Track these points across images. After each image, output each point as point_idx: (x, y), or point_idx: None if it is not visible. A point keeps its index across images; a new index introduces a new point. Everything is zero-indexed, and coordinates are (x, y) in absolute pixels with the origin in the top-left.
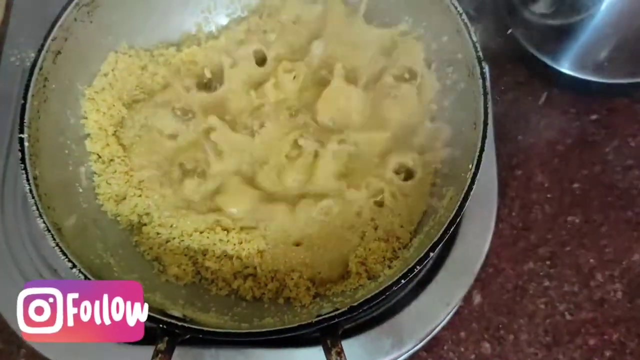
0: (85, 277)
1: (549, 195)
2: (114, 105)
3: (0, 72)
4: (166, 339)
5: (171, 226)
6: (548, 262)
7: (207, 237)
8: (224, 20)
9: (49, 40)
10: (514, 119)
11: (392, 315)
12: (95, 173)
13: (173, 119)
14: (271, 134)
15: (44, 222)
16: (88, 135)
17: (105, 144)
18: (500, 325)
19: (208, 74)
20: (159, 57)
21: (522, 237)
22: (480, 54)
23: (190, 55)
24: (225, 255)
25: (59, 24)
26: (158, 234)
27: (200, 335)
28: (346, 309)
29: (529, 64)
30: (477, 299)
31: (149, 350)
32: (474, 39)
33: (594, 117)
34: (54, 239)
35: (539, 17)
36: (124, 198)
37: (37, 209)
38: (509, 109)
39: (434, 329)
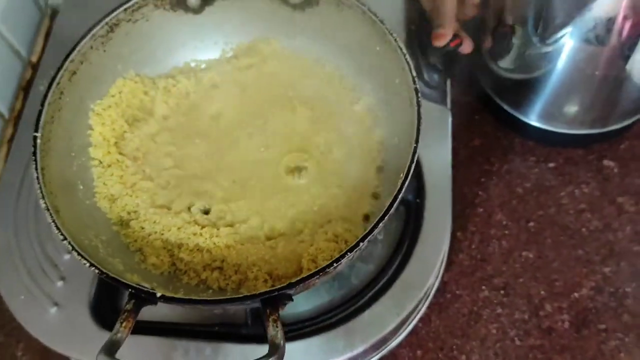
0: (73, 249)
1: (506, 232)
2: (117, 121)
3: (30, 99)
4: (133, 301)
5: (154, 222)
6: (502, 292)
7: (184, 232)
8: (215, 56)
9: (67, 62)
10: (478, 163)
11: (347, 321)
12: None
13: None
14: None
15: (45, 203)
16: (92, 143)
17: (107, 152)
18: (454, 347)
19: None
20: (159, 85)
21: (480, 268)
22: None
23: (184, 85)
24: (197, 249)
25: (77, 49)
26: (142, 228)
27: (162, 301)
28: (285, 285)
29: (496, 115)
30: (435, 321)
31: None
32: (414, 74)
33: (551, 164)
34: (52, 217)
35: (505, 72)
36: (117, 198)
37: (41, 192)
38: (475, 154)
39: (384, 335)
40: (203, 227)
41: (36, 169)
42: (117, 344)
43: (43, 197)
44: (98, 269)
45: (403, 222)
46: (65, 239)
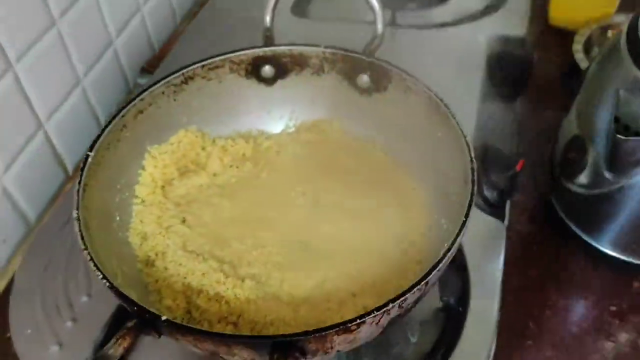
0: (94, 265)
1: None
2: (169, 167)
3: None
4: (135, 320)
5: (180, 264)
6: None
7: (207, 278)
8: (277, 130)
9: (137, 99)
10: (534, 292)
11: None
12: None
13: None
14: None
15: (77, 213)
16: (140, 182)
17: (152, 192)
18: None
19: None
20: (218, 144)
21: None
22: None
23: (241, 147)
24: (216, 298)
25: (150, 90)
26: (166, 268)
27: (165, 325)
28: (299, 332)
29: (561, 240)
30: None
31: None
32: (472, 154)
33: (614, 306)
34: (79, 227)
35: (579, 188)
36: (150, 236)
37: (77, 202)
38: (530, 283)
39: None
40: (228, 276)
41: (79, 182)
42: None
43: (77, 207)
44: (108, 280)
45: (441, 328)
46: (85, 248)
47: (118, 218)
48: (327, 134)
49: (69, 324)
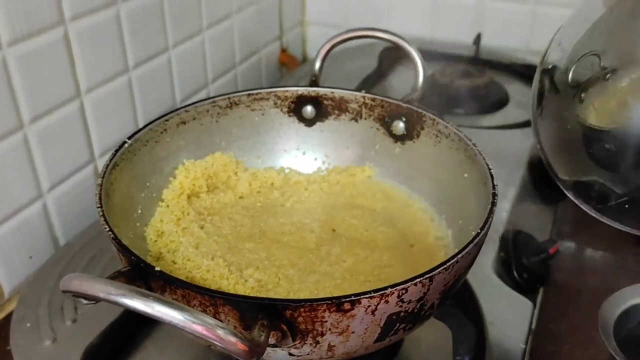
0: (104, 220)
1: None
2: (199, 180)
3: None
4: (129, 268)
5: (188, 259)
6: None
7: (211, 274)
8: (309, 171)
9: (182, 109)
10: None
11: None
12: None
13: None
14: None
15: (100, 183)
16: (168, 187)
17: (177, 198)
18: None
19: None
20: (250, 171)
21: None
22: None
23: (271, 177)
24: None
25: (195, 105)
26: (174, 262)
27: (158, 275)
28: (290, 299)
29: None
30: None
31: None
32: (495, 183)
33: None
34: (101, 206)
35: None
36: (165, 234)
37: (103, 172)
38: None
39: None
40: (232, 273)
41: (107, 166)
42: None
43: (102, 176)
44: (113, 232)
45: None
46: (100, 206)
47: (139, 211)
48: (356, 177)
49: (69, 323)
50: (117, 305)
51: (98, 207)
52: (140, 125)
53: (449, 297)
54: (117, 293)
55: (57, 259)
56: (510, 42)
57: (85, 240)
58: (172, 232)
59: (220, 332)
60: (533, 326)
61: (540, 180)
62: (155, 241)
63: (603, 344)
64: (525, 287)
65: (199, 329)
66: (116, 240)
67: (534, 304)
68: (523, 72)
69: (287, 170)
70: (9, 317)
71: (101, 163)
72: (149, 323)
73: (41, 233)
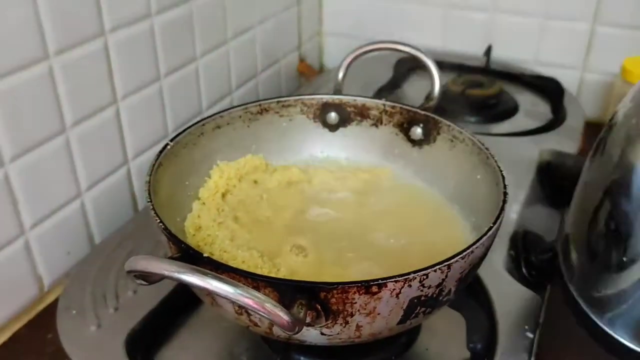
0: (154, 212)
1: None
2: (232, 179)
3: None
4: (179, 255)
5: (225, 251)
6: None
7: (246, 265)
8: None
9: (218, 115)
10: None
11: None
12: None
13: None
14: None
15: (149, 180)
16: (204, 186)
17: (213, 196)
18: None
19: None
20: (277, 169)
21: None
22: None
23: (295, 173)
24: None
25: (229, 111)
26: (212, 254)
27: (206, 261)
28: (326, 282)
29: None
30: None
31: None
32: (506, 183)
33: None
34: (151, 201)
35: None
36: (203, 229)
37: (150, 173)
38: None
39: None
40: (265, 262)
41: (156, 160)
42: None
43: (150, 174)
44: (163, 223)
45: None
46: (150, 200)
47: (179, 208)
48: (377, 178)
49: (111, 310)
50: (179, 281)
51: (148, 202)
52: (170, 130)
53: (464, 285)
54: (179, 271)
55: (96, 254)
56: (520, 54)
57: (118, 238)
58: (209, 227)
59: (268, 305)
60: (541, 320)
61: (547, 185)
62: (194, 235)
63: None
64: (533, 283)
65: (250, 302)
66: (166, 230)
67: (542, 299)
68: (532, 82)
69: (312, 170)
70: (48, 308)
71: (134, 165)
72: (185, 311)
73: (79, 231)
